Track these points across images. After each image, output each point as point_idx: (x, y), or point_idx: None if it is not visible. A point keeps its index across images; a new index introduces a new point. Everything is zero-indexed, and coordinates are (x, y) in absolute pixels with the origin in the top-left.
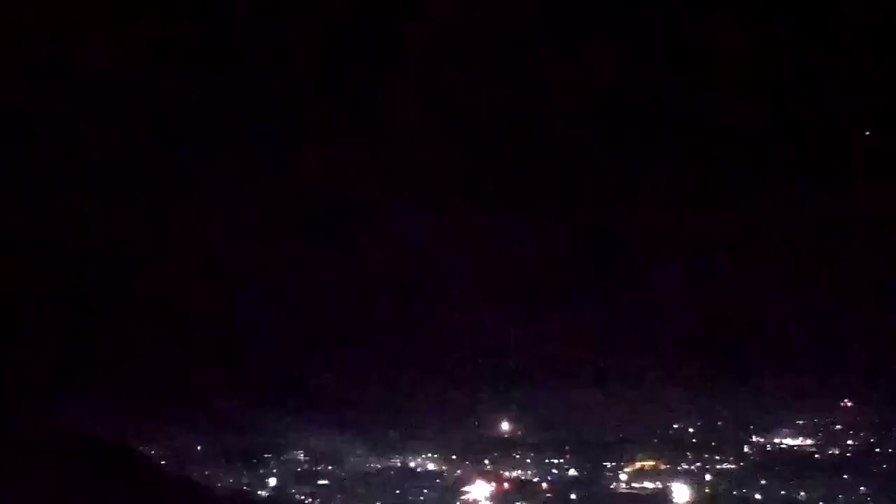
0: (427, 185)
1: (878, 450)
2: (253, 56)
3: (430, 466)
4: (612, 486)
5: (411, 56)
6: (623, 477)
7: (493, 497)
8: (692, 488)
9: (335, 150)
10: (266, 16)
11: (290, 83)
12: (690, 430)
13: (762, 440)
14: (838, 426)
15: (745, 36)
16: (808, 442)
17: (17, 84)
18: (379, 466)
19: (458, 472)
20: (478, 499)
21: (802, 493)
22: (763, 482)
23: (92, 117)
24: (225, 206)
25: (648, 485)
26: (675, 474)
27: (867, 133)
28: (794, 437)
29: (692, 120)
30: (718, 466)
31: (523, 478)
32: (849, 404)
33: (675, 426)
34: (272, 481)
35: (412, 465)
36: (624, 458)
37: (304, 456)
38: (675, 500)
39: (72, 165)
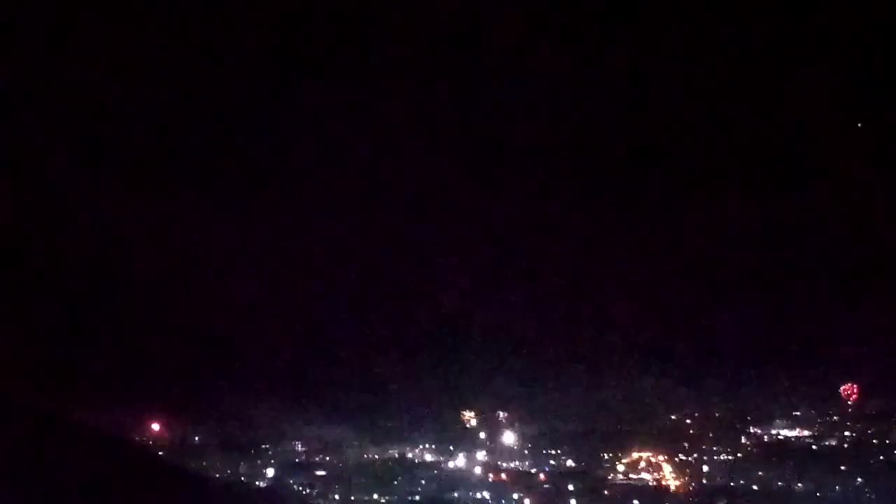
0: (420, 183)
1: (875, 441)
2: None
3: (428, 457)
4: (609, 477)
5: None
6: (620, 468)
7: (490, 488)
8: (689, 479)
9: (332, 149)
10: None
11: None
12: (688, 421)
13: (760, 431)
14: (836, 418)
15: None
16: (806, 433)
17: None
18: (376, 457)
19: (456, 463)
20: (475, 489)
21: (800, 485)
22: (760, 473)
23: (90, 118)
24: (223, 205)
25: (645, 476)
26: (672, 465)
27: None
28: (792, 428)
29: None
30: (715, 457)
31: (521, 469)
32: (846, 396)
33: (673, 417)
34: (270, 472)
35: (410, 455)
36: (621, 450)
37: (302, 447)
38: (672, 491)
39: (71, 166)
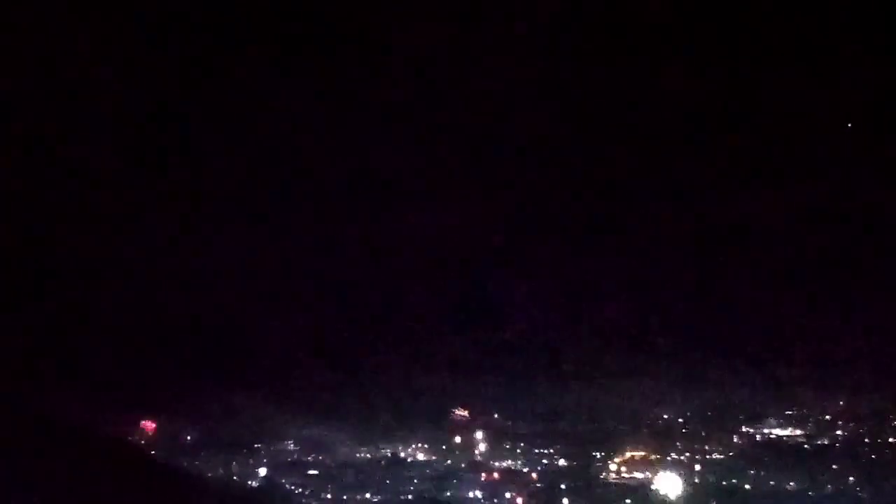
0: (409, 183)
1: (866, 440)
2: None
3: (420, 456)
4: (601, 476)
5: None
6: (612, 467)
7: (482, 487)
8: (681, 478)
9: (326, 147)
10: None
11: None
12: (680, 420)
13: (751, 430)
14: (827, 416)
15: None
16: (798, 432)
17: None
18: (369, 456)
19: (448, 461)
20: (467, 488)
21: (791, 483)
22: (752, 472)
23: (89, 119)
24: (216, 204)
25: (638, 475)
26: (664, 464)
27: (849, 125)
28: (784, 427)
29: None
30: (708, 457)
31: (513, 468)
32: (837, 395)
33: (665, 416)
34: (262, 471)
35: (402, 454)
36: (613, 449)
37: (294, 446)
38: (663, 491)
39: (71, 166)
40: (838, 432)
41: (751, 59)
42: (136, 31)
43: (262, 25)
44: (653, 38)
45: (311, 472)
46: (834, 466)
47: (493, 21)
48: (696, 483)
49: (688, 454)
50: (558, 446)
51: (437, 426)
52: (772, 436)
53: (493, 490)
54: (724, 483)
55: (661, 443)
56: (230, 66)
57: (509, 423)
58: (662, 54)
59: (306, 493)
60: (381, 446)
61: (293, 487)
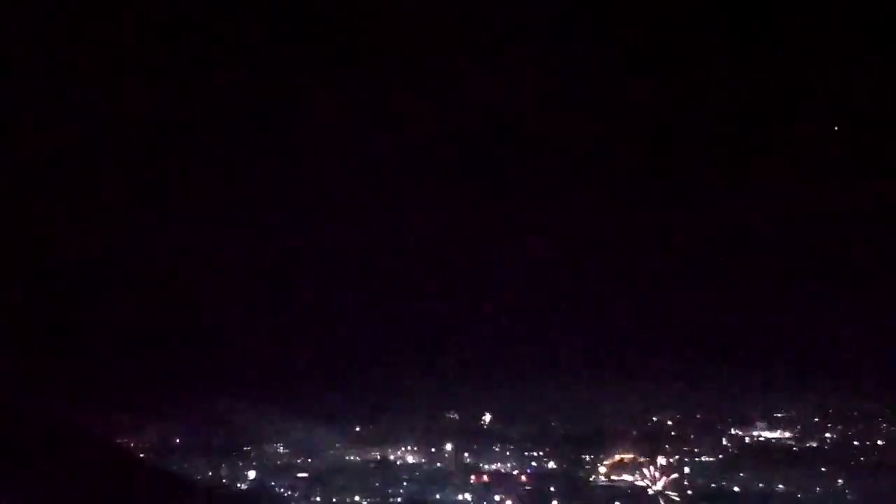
0: (402, 183)
1: (855, 443)
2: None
3: (410, 459)
4: (590, 479)
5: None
6: (602, 469)
7: (472, 489)
8: (670, 481)
9: (319, 154)
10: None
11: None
12: (669, 422)
13: (741, 433)
14: (817, 419)
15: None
16: (787, 435)
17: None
18: (358, 459)
19: (438, 464)
20: (456, 491)
21: (780, 486)
22: (741, 474)
23: (90, 119)
24: (206, 209)
25: (627, 477)
26: (653, 467)
27: (836, 128)
28: (773, 429)
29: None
30: (696, 459)
31: (503, 470)
32: (826, 397)
33: (654, 419)
34: (251, 474)
35: (392, 457)
36: (602, 451)
37: (284, 449)
38: (652, 493)
39: (71, 166)
40: (827, 435)
41: (751, 60)
42: (136, 31)
43: (262, 26)
44: (654, 40)
45: (301, 475)
46: (823, 469)
47: (497, 21)
48: (685, 485)
49: (677, 456)
50: (547, 449)
51: (426, 429)
52: (761, 438)
53: (482, 493)
54: (712, 485)
55: (651, 445)
56: (230, 67)
57: (499, 425)
58: (663, 56)
59: (295, 495)
60: (370, 449)
61: (282, 491)
